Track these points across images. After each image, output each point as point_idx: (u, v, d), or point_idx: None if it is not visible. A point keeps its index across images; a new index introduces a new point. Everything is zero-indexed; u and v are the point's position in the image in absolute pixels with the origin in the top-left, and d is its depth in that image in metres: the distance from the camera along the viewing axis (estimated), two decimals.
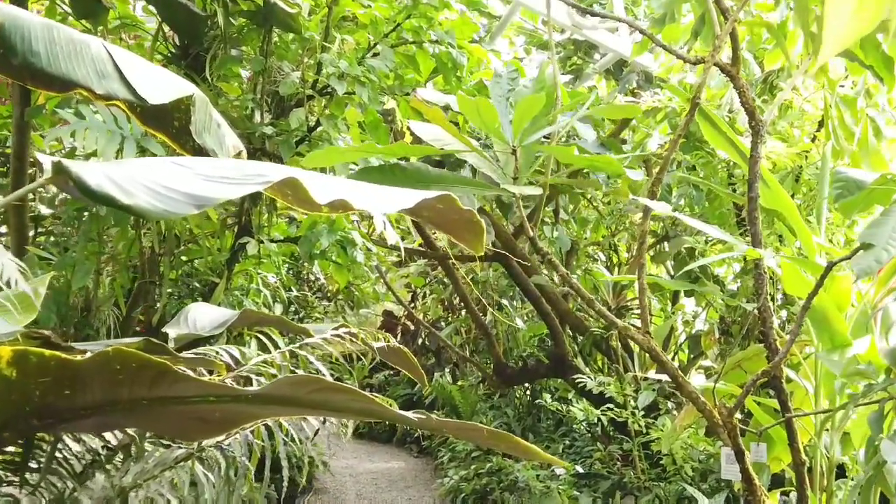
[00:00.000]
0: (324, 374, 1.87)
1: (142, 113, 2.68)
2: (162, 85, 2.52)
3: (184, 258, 4.35)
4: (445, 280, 9.00)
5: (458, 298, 9.14)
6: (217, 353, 2.10)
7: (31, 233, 5.14)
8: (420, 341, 11.64)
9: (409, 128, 3.69)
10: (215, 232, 4.27)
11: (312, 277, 10.30)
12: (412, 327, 11.66)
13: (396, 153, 2.84)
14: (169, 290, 4.12)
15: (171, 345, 2.55)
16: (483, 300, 7.99)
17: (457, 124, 4.30)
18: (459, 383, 10.14)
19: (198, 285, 4.23)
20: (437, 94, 3.60)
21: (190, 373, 1.48)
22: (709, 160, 5.73)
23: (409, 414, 1.43)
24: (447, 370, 10.81)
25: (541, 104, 2.59)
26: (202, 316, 2.69)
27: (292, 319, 6.66)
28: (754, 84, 5.45)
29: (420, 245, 7.39)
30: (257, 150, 4.01)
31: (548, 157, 3.00)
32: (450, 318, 10.58)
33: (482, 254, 1.75)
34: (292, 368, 2.04)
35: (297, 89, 3.98)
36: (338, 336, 2.10)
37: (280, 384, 1.48)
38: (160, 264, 4.12)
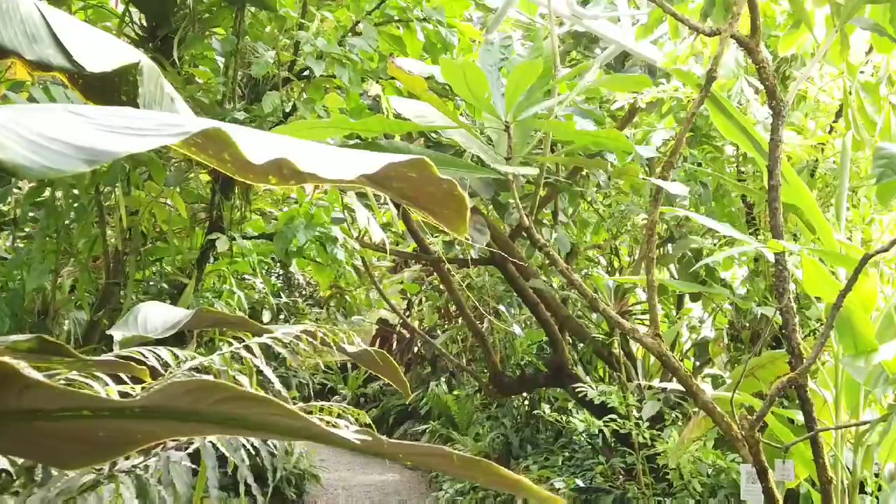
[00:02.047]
0: (270, 379, 1.55)
1: (84, 85, 2.37)
2: (103, 52, 2.20)
3: (151, 257, 4.02)
4: (441, 287, 8.74)
5: (453, 305, 8.88)
6: (143, 354, 1.77)
7: (11, 237, 4.89)
8: (415, 349, 11.45)
9: (395, 113, 3.39)
10: (185, 229, 3.95)
11: (304, 283, 10.06)
12: (407, 335, 11.45)
13: (373, 129, 2.51)
14: (135, 292, 3.79)
15: (115, 349, 2.23)
16: (479, 307, 7.72)
17: None
18: (455, 393, 9.92)
19: (166, 286, 3.90)
20: (419, 65, 3.27)
21: (93, 382, 1.16)
22: (716, 156, 5.49)
23: (352, 436, 1.09)
24: (443, 379, 10.54)
25: (537, 73, 2.27)
26: (154, 316, 2.36)
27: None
28: None
29: (414, 249, 7.11)
30: None
31: (545, 136, 2.68)
32: (446, 326, 10.36)
33: (465, 234, 1.44)
34: (234, 375, 1.72)
35: (272, 70, 3.66)
36: (294, 337, 1.78)
37: (173, 392, 1.09)
38: (125, 264, 3.80)
